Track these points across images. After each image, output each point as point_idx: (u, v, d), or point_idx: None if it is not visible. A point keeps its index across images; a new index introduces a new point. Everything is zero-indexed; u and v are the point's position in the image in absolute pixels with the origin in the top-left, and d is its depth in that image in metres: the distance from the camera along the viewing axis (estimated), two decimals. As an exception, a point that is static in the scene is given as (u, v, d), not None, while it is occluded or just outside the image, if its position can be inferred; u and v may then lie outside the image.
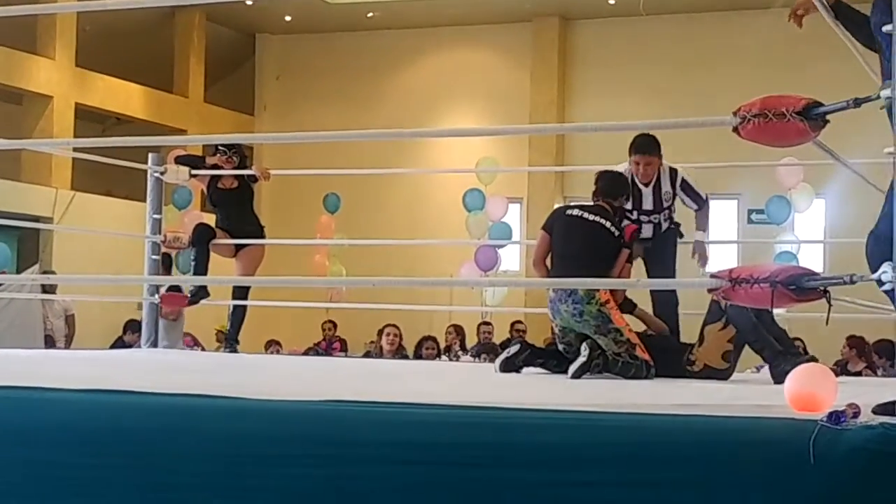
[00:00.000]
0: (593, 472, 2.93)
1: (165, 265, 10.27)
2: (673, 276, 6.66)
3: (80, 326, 12.80)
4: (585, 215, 6.04)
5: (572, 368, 5.55)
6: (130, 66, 17.22)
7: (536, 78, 17.28)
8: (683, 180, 6.64)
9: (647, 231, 6.60)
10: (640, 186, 6.53)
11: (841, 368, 10.74)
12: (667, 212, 6.65)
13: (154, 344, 7.98)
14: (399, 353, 11.28)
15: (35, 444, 3.44)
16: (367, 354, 12.55)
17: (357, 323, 14.74)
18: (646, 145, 6.43)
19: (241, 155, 8.44)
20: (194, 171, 8.29)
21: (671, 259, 6.74)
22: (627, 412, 3.21)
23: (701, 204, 6.81)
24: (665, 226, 6.68)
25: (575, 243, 5.95)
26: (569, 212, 6.15)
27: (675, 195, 6.62)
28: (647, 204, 6.55)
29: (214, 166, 8.36)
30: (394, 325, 11.38)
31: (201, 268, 8.20)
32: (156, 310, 8.10)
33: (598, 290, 5.72)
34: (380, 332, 11.66)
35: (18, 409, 3.55)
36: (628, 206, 6.48)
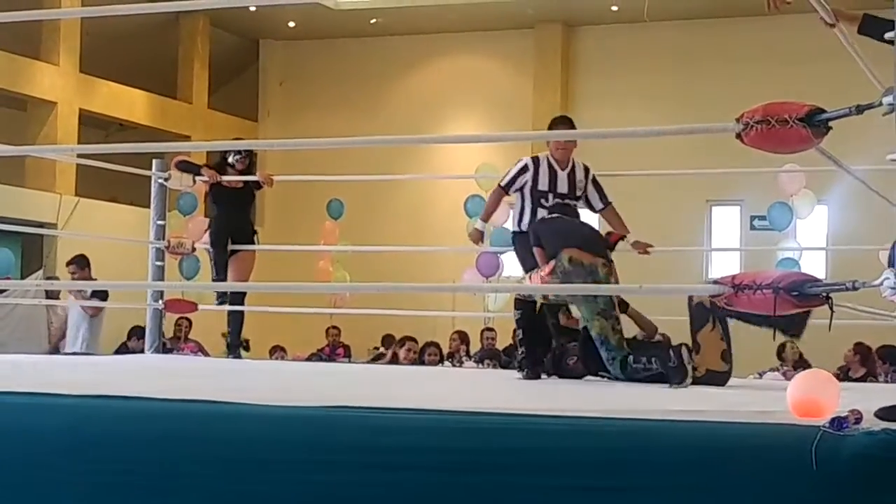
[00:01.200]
0: (594, 477, 2.94)
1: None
2: None
3: (84, 332, 12.80)
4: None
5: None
6: (134, 71, 17.24)
7: (539, 84, 17.29)
8: (594, 177, 6.91)
9: None
10: (557, 169, 6.74)
11: (843, 374, 10.73)
12: (579, 202, 6.84)
13: (157, 350, 7.99)
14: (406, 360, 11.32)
15: (39, 449, 3.45)
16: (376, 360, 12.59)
17: (361, 329, 14.75)
18: (567, 122, 6.87)
19: (250, 159, 8.52)
20: (199, 177, 8.33)
21: None
22: (629, 417, 3.22)
23: (607, 203, 6.98)
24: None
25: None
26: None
27: (586, 186, 6.83)
28: (563, 187, 6.71)
29: (222, 162, 8.39)
30: (413, 340, 11.46)
31: (221, 272, 8.25)
32: (160, 315, 8.11)
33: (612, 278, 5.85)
34: (400, 343, 11.70)
35: (23, 415, 3.56)
36: (545, 186, 6.68)
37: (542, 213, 6.67)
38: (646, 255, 6.97)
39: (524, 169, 6.77)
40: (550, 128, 6.99)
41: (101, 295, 9.97)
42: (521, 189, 6.76)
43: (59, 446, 3.43)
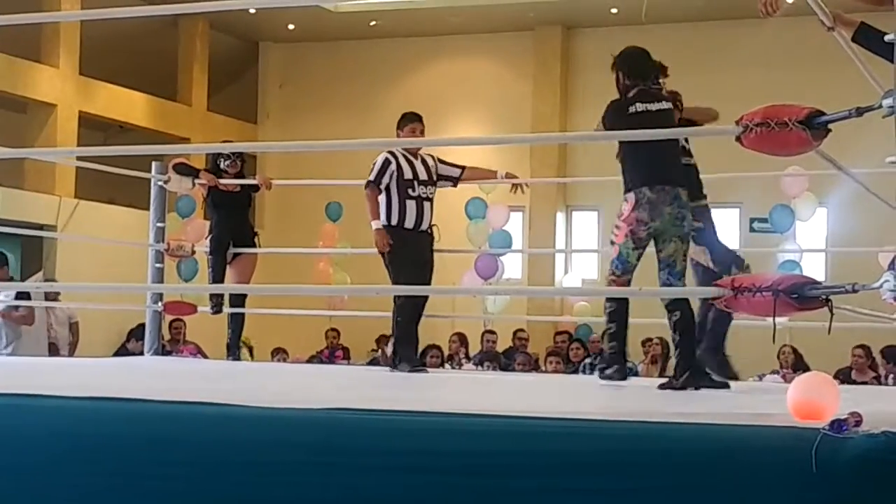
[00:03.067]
0: (595, 480, 2.94)
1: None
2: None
3: (84, 334, 12.79)
4: (650, 107, 5.84)
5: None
6: (134, 74, 17.23)
7: (539, 87, 17.29)
8: (437, 157, 7.36)
9: (426, 213, 7.08)
10: (412, 159, 7.13)
11: (845, 377, 10.75)
12: (435, 188, 7.18)
13: (156, 352, 7.99)
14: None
15: (39, 452, 3.44)
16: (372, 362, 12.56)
17: (360, 331, 14.74)
18: (419, 115, 7.31)
19: (242, 161, 8.53)
20: (197, 180, 8.33)
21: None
22: (629, 420, 3.22)
23: (461, 166, 7.45)
24: (431, 216, 7.11)
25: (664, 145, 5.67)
26: (631, 110, 5.92)
27: (437, 170, 7.27)
28: (422, 174, 7.11)
29: (215, 168, 8.40)
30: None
31: (218, 279, 8.25)
32: (159, 318, 8.11)
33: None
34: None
35: (23, 418, 3.55)
36: (409, 175, 7.05)
37: (410, 203, 7.00)
38: (520, 190, 7.63)
39: (387, 162, 7.06)
40: (402, 121, 7.34)
41: (25, 296, 9.73)
42: (388, 184, 7.04)
43: (59, 449, 3.43)
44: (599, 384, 5.66)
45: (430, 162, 7.26)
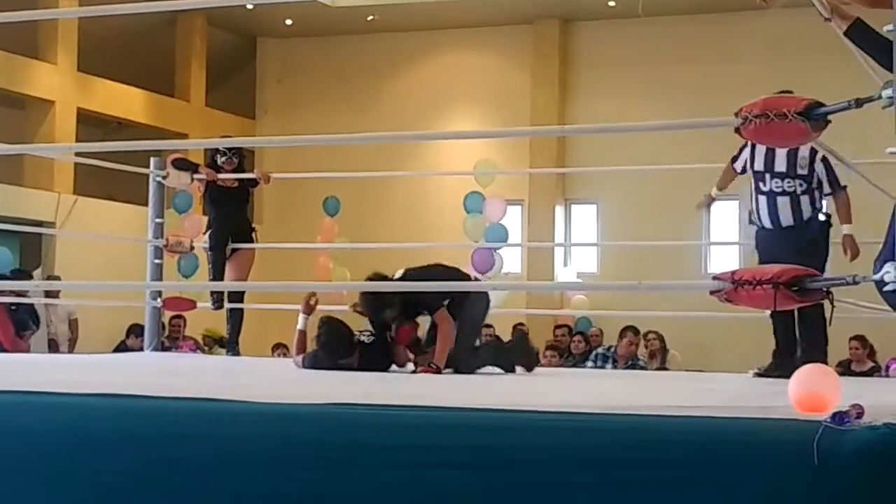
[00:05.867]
0: (598, 474, 2.94)
1: None
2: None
3: (83, 331, 12.79)
4: None
5: None
6: (132, 70, 17.22)
7: (537, 80, 17.27)
8: (825, 157, 6.13)
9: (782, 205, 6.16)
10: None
11: (844, 369, 10.75)
12: (805, 182, 6.17)
13: (156, 348, 7.99)
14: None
15: (39, 449, 3.44)
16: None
17: (359, 325, 14.73)
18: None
19: (240, 156, 8.50)
20: (196, 175, 8.33)
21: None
22: (631, 413, 3.21)
23: (837, 189, 6.33)
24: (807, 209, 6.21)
25: None
26: None
27: (812, 164, 6.15)
28: (781, 165, 6.15)
29: (213, 164, 8.39)
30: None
31: (218, 275, 8.23)
32: (158, 314, 8.11)
33: None
34: None
35: (22, 414, 3.55)
36: (760, 167, 6.15)
37: (761, 199, 6.20)
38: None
39: (746, 143, 5.99)
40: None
41: None
42: (744, 168, 6.23)
43: (60, 445, 3.43)
44: (597, 378, 5.66)
45: (804, 153, 6.10)
